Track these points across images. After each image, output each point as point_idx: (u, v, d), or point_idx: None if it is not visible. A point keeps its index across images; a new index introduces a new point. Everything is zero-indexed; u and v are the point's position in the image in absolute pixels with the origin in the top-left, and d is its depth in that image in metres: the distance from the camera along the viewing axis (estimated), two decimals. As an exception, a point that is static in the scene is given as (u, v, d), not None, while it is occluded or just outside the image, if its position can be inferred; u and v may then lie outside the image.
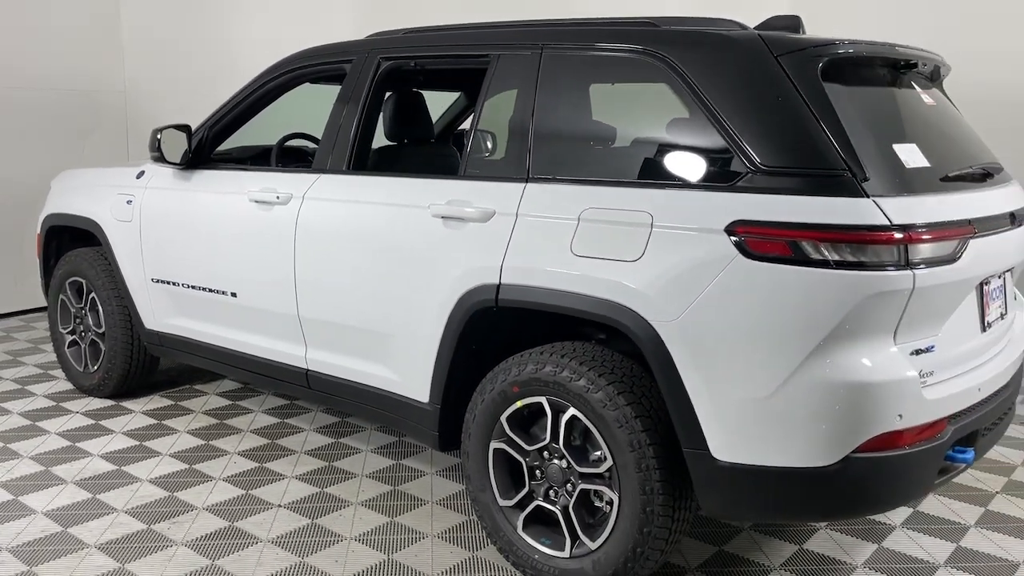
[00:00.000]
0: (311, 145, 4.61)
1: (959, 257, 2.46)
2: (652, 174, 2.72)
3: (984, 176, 2.80)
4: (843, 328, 2.34)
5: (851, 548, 3.24)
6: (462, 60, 3.38)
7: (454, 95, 5.03)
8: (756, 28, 2.88)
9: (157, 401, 4.75)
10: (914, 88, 2.93)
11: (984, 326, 2.78)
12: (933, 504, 3.60)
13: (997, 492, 3.74)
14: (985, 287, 2.78)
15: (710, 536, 3.30)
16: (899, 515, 3.49)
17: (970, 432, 2.65)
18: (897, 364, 2.41)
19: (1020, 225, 2.86)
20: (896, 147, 2.54)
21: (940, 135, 2.90)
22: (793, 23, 2.92)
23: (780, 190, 2.43)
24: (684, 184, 2.63)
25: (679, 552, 3.17)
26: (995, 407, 2.79)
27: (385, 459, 4.00)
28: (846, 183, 2.37)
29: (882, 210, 2.34)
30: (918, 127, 2.82)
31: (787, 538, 3.30)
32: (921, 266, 2.37)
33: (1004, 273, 2.95)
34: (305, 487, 3.70)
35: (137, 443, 4.16)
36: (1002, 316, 2.95)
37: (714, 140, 2.58)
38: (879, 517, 3.47)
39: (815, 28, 2.98)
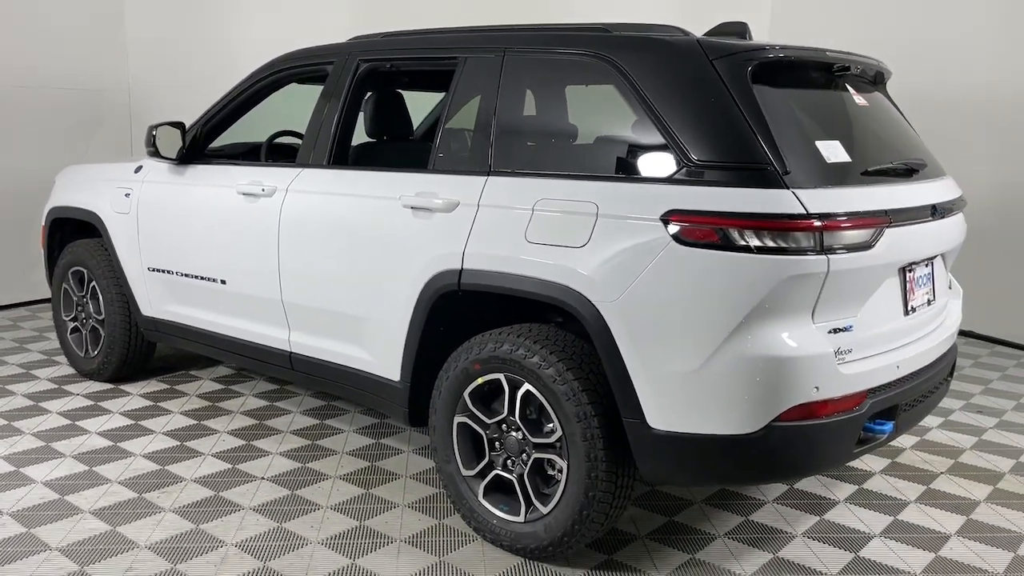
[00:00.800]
0: (299, 142, 4.84)
1: (874, 245, 2.68)
2: (599, 168, 2.96)
3: (908, 171, 3.01)
4: (763, 307, 2.56)
5: (794, 520, 3.46)
6: (434, 62, 3.63)
7: (439, 95, 5.26)
8: (706, 33, 3.11)
9: (154, 385, 5.00)
10: (848, 90, 3.15)
11: (907, 310, 3.00)
12: (878, 482, 3.82)
13: (942, 473, 3.95)
14: (909, 273, 2.99)
15: (662, 508, 3.53)
16: (843, 491, 3.71)
17: (890, 406, 2.87)
18: (814, 340, 2.63)
19: (943, 217, 3.08)
20: (819, 143, 2.76)
21: (868, 133, 3.11)
22: (740, 29, 3.16)
23: (710, 182, 2.66)
24: (626, 177, 2.86)
25: (632, 522, 3.40)
26: (917, 385, 3.00)
27: (366, 438, 4.24)
28: (768, 176, 2.60)
29: (800, 200, 2.56)
30: (846, 126, 3.04)
31: (734, 510, 3.52)
32: (837, 251, 2.59)
33: (932, 261, 3.16)
34: (288, 462, 3.94)
35: (133, 422, 4.41)
36: (929, 302, 3.16)
37: (654, 137, 2.81)
38: (824, 492, 3.69)
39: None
